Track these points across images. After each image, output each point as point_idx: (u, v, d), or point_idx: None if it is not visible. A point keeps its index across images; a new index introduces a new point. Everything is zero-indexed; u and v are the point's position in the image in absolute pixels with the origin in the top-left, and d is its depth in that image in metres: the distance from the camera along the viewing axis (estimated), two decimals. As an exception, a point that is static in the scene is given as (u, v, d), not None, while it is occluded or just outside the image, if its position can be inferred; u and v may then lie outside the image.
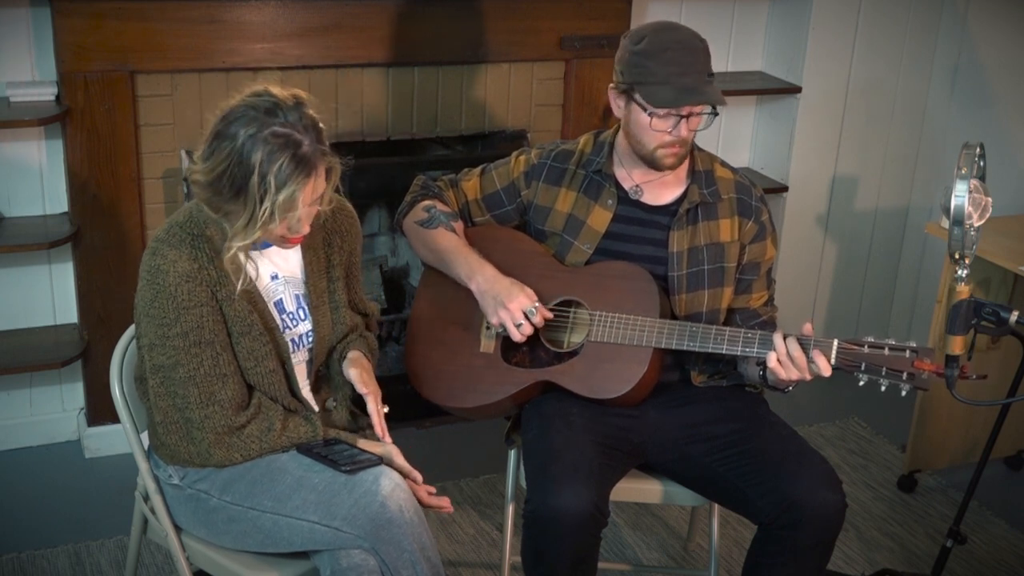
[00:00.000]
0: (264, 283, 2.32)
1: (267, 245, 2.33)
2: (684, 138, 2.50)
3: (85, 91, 3.20)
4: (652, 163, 2.55)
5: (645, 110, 2.47)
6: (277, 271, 2.35)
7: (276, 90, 2.16)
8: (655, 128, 2.49)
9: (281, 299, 2.35)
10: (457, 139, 3.75)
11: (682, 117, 2.46)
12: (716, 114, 2.50)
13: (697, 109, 2.47)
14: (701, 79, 2.46)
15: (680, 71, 2.45)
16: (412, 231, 2.71)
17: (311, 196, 2.16)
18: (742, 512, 2.52)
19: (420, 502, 2.26)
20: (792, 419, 2.79)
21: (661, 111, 2.46)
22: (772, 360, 2.41)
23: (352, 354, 2.44)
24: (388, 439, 2.36)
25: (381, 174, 3.68)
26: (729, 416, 2.57)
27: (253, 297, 2.27)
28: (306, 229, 2.22)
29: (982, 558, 3.31)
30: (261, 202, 2.11)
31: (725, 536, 3.27)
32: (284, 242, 2.26)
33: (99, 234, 3.34)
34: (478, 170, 2.77)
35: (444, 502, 2.33)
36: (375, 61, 3.49)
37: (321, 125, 2.18)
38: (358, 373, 2.39)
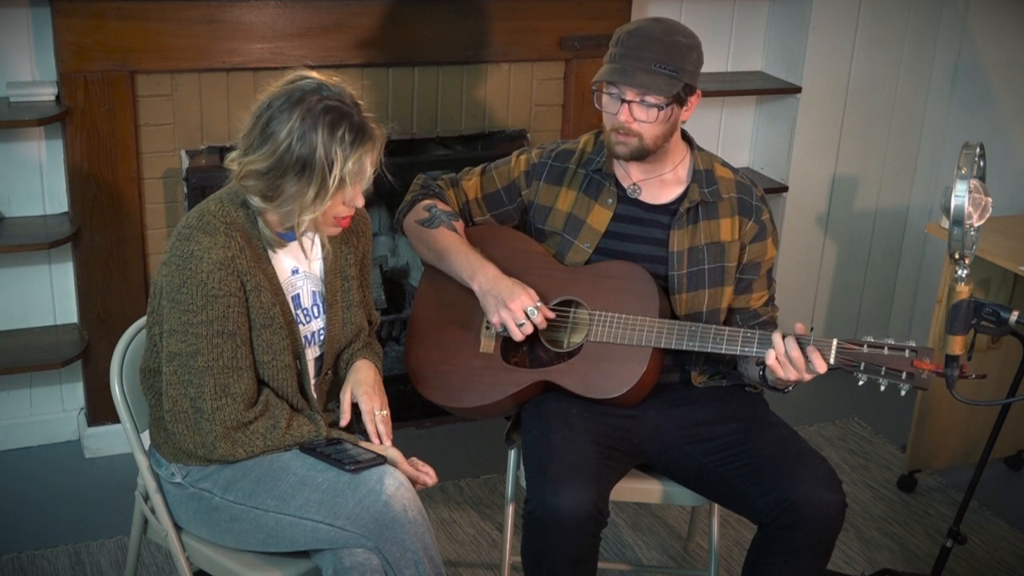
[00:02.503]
0: (285, 276, 2.33)
1: (290, 238, 2.34)
2: (626, 125, 2.50)
3: (85, 91, 3.20)
4: (609, 149, 2.57)
5: (597, 89, 2.53)
6: (298, 265, 2.36)
7: (314, 73, 2.23)
8: (602, 106, 2.53)
9: (299, 294, 2.36)
10: (457, 139, 3.75)
11: (624, 102, 2.48)
12: (668, 108, 2.49)
13: (649, 98, 2.47)
14: (644, 66, 2.46)
15: (625, 54, 2.48)
16: (412, 230, 2.71)
17: (375, 162, 2.21)
18: (742, 512, 2.52)
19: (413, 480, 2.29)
20: (792, 419, 2.80)
21: (605, 89, 2.50)
22: (771, 358, 2.41)
23: (357, 365, 2.44)
24: (388, 442, 2.36)
25: (381, 174, 3.67)
26: (729, 416, 2.57)
27: (276, 289, 2.28)
28: (361, 202, 2.24)
29: (982, 558, 3.31)
30: (330, 171, 2.15)
31: (725, 536, 3.27)
32: (334, 225, 2.26)
33: (99, 234, 3.34)
34: (478, 169, 2.77)
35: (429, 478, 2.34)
36: (375, 61, 3.49)
37: (360, 102, 2.23)
38: (348, 401, 2.40)
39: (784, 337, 2.41)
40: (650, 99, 2.48)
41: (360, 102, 2.23)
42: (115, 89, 3.23)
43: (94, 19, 3.15)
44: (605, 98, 2.52)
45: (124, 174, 3.31)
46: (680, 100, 2.51)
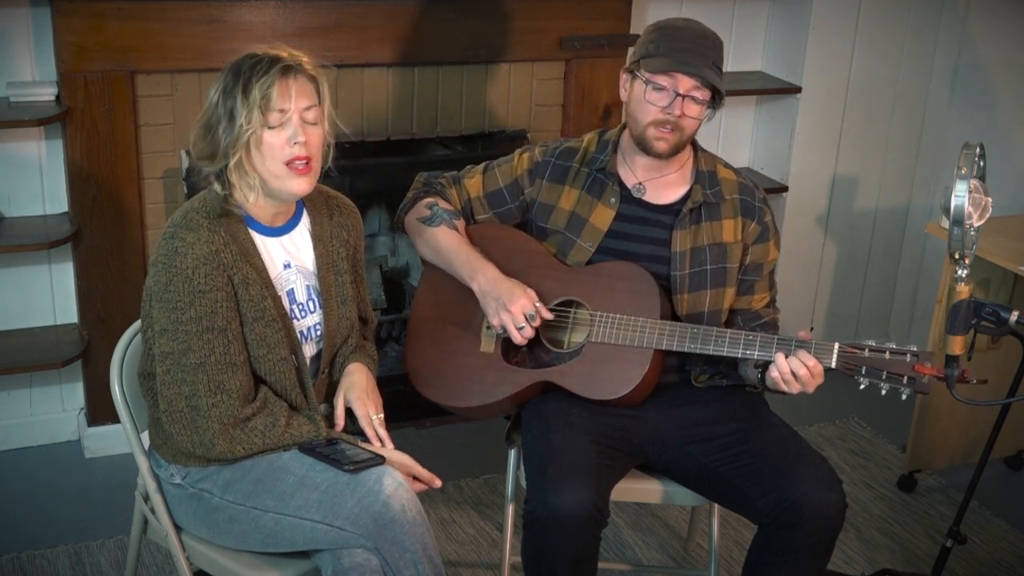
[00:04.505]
0: (277, 271, 2.33)
1: (280, 232, 2.34)
2: (677, 120, 2.50)
3: (85, 91, 3.20)
4: (644, 145, 2.55)
5: (644, 80, 2.50)
6: (290, 259, 2.36)
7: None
8: (649, 100, 2.50)
9: (292, 289, 2.36)
10: (457, 139, 3.74)
11: (678, 95, 2.47)
12: (714, 107, 2.52)
13: (698, 94, 2.48)
14: (703, 60, 2.47)
15: (683, 47, 2.48)
16: (414, 228, 2.71)
17: (292, 96, 2.20)
18: (742, 512, 2.52)
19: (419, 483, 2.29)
20: (792, 419, 2.80)
21: (657, 80, 2.48)
22: (773, 373, 2.43)
23: (350, 369, 2.44)
24: (390, 445, 2.36)
25: (381, 174, 3.68)
26: (729, 416, 2.57)
27: (266, 282, 2.27)
28: (302, 138, 2.21)
29: (982, 558, 3.31)
30: (247, 94, 2.16)
31: (725, 536, 3.27)
32: (291, 174, 2.23)
33: (99, 234, 3.34)
34: (480, 167, 2.77)
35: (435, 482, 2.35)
36: (375, 61, 3.48)
37: (307, 57, 2.25)
38: (341, 406, 2.40)
39: (787, 357, 2.41)
40: (699, 94, 2.49)
41: (308, 58, 2.26)
42: (115, 89, 3.23)
43: (94, 19, 3.15)
44: (651, 91, 2.50)
45: (124, 174, 3.31)
46: (721, 100, 2.54)
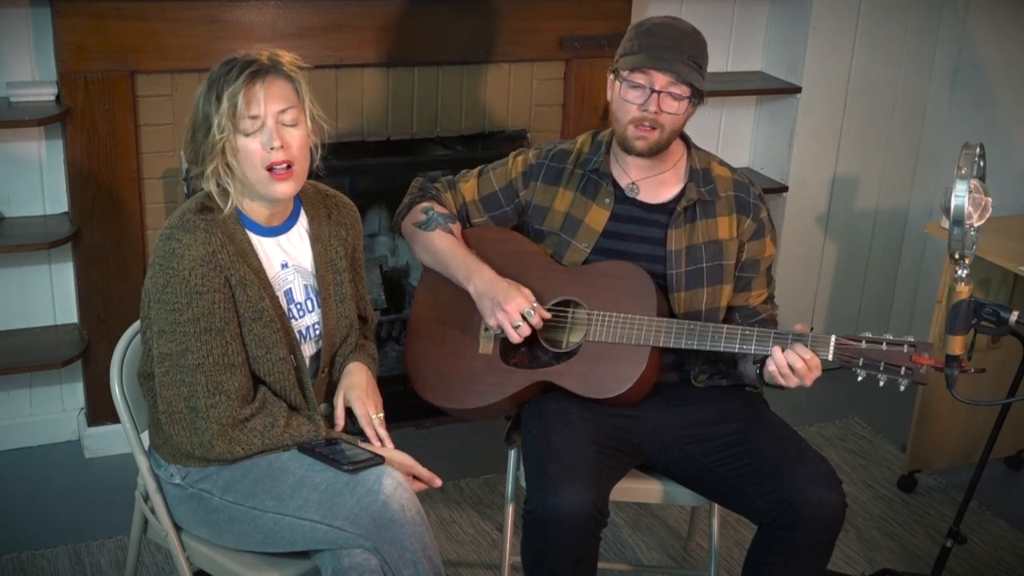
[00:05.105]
0: (274, 271, 2.33)
1: (277, 232, 2.34)
2: (655, 117, 2.50)
3: (85, 91, 3.20)
4: (624, 144, 2.56)
5: (622, 79, 2.51)
6: (287, 260, 2.36)
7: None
8: (624, 97, 2.51)
9: (290, 288, 2.36)
10: (457, 139, 3.75)
11: (654, 92, 2.47)
12: (692, 102, 2.52)
13: (675, 90, 2.48)
14: (677, 57, 2.47)
15: (659, 44, 2.48)
16: (410, 233, 2.72)
17: (262, 100, 2.18)
18: (742, 512, 2.52)
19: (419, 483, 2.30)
20: (792, 419, 2.80)
21: (633, 77, 2.49)
22: (771, 367, 2.43)
23: (350, 369, 2.44)
24: (390, 445, 2.36)
25: (381, 174, 3.68)
26: (729, 416, 2.57)
27: (264, 282, 2.27)
28: (278, 142, 2.20)
29: (982, 558, 3.31)
30: (219, 100, 2.17)
31: (725, 536, 3.27)
32: (272, 180, 2.22)
33: (99, 234, 3.34)
34: (476, 171, 2.77)
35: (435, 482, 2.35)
36: (375, 61, 3.49)
37: (289, 56, 2.24)
38: (341, 406, 2.40)
39: (784, 350, 2.41)
40: (677, 91, 2.48)
41: (289, 57, 2.24)
42: (115, 89, 3.23)
43: (94, 19, 3.15)
44: (628, 88, 2.51)
45: (124, 174, 3.31)
46: (701, 97, 2.53)
